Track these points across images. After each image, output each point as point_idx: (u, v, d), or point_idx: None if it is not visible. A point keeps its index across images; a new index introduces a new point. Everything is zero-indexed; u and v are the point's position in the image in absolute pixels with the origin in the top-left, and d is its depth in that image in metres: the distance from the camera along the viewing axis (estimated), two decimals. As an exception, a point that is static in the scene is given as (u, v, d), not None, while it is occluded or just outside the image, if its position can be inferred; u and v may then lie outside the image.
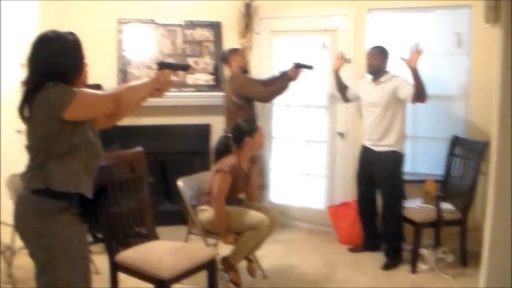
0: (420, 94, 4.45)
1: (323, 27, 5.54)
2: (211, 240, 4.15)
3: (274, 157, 5.84)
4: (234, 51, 5.33)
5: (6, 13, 4.83)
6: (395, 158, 4.72)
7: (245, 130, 4.17)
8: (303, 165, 5.81)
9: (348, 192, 5.47)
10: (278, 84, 5.14)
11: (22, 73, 4.96)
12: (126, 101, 2.59)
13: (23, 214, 2.46)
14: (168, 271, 3.11)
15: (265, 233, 3.97)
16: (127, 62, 5.57)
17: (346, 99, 5.22)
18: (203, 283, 3.58)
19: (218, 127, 5.68)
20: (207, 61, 5.76)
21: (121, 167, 3.57)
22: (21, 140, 5.15)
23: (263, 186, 5.49)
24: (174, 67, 2.77)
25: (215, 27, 5.82)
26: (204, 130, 5.77)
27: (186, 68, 3.03)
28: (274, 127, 5.82)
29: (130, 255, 3.33)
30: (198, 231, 4.06)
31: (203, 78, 5.73)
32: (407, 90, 4.52)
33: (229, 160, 4.09)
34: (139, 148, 3.71)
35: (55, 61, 2.41)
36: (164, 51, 5.66)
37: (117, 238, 3.43)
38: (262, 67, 5.75)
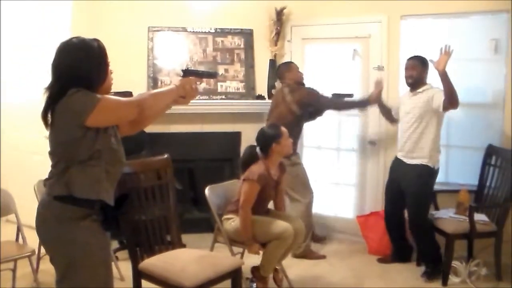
0: (450, 99, 4.28)
1: (355, 34, 5.47)
2: (237, 249, 4.11)
3: (306, 166, 5.75)
4: (287, 66, 5.27)
5: (39, 18, 4.91)
6: (426, 173, 4.56)
7: (271, 136, 4.12)
8: (333, 174, 5.73)
9: (378, 201, 5.38)
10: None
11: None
12: (150, 108, 2.57)
13: (44, 220, 2.45)
14: (191, 279, 3.06)
15: (290, 242, 3.89)
16: (158, 70, 5.59)
17: (393, 121, 5.06)
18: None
19: (248, 135, 5.65)
20: (237, 69, 5.74)
21: (148, 174, 3.57)
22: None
23: None
24: (200, 75, 2.75)
25: (246, 35, 5.80)
26: (234, 138, 5.74)
27: (213, 75, 2.96)
28: (304, 136, 5.75)
29: (153, 262, 3.31)
30: (224, 240, 4.02)
31: (234, 85, 5.71)
32: (439, 98, 4.37)
33: (257, 169, 4.01)
34: (165, 156, 3.70)
35: (78, 68, 2.40)
36: (194, 59, 5.66)
37: (141, 245, 3.41)
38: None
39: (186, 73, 2.69)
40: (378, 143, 5.40)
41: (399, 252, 4.92)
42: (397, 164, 4.78)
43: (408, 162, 4.64)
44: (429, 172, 4.56)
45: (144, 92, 2.67)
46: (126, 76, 5.47)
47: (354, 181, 5.63)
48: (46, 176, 2.52)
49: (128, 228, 3.34)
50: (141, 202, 3.47)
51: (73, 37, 2.49)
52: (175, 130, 5.19)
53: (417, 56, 4.70)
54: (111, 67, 5.32)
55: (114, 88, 5.42)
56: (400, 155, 4.76)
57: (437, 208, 4.82)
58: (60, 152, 2.40)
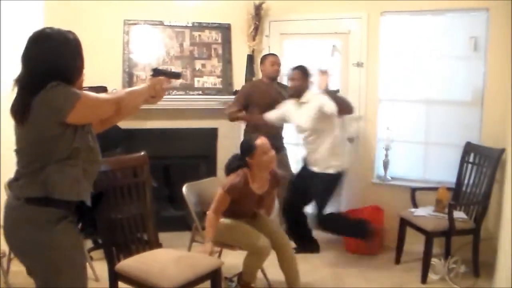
0: (344, 110, 4.50)
1: (334, 30, 5.42)
2: (215, 248, 4.03)
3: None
4: (263, 58, 5.30)
5: (9, 13, 4.75)
6: (328, 179, 4.70)
7: (244, 150, 3.90)
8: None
9: (356, 199, 5.37)
10: None
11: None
12: (127, 106, 2.48)
13: (17, 226, 2.29)
14: (170, 281, 2.98)
15: (266, 258, 3.79)
16: (133, 64, 5.48)
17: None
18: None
19: (225, 131, 5.58)
20: (214, 64, 5.65)
21: (123, 172, 3.47)
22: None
23: None
24: (168, 75, 2.70)
25: (224, 29, 5.71)
26: (211, 134, 5.66)
27: (178, 76, 2.90)
28: (284, 132, 5.68)
29: (131, 264, 3.21)
30: (202, 239, 3.94)
31: (211, 81, 5.62)
32: (330, 104, 4.40)
33: (232, 179, 3.82)
34: (142, 153, 3.60)
35: (55, 60, 2.26)
36: (171, 53, 5.55)
37: (117, 245, 3.31)
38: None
39: (156, 72, 2.67)
40: (357, 140, 5.36)
41: (304, 245, 5.03)
42: (305, 167, 4.92)
43: (312, 169, 4.77)
44: (332, 178, 4.70)
45: (119, 90, 2.59)
46: (101, 70, 5.37)
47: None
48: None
49: (104, 227, 3.24)
50: (117, 200, 3.37)
51: (47, 28, 2.35)
52: (151, 126, 5.08)
53: (298, 66, 4.87)
54: (87, 60, 5.21)
55: (88, 83, 5.32)
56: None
57: (415, 206, 4.81)
58: (36, 150, 2.25)
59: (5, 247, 3.84)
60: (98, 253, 4.51)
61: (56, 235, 2.28)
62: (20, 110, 2.22)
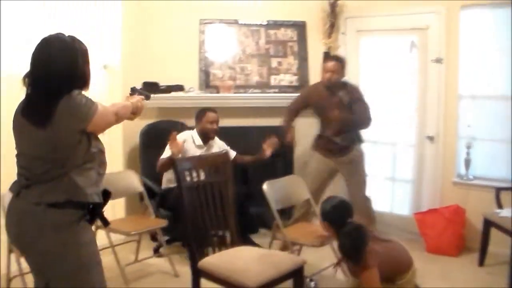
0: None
1: (412, 26, 5.28)
2: (296, 246, 4.03)
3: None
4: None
5: (89, 13, 4.90)
6: None
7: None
8: (389, 170, 5.59)
9: (435, 198, 5.24)
10: None
11: (105, 75, 5.11)
12: (121, 119, 2.56)
13: (41, 230, 2.28)
14: (254, 279, 2.97)
15: None
16: (209, 63, 5.53)
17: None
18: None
19: (302, 129, 5.55)
20: (290, 62, 5.64)
21: (206, 169, 3.49)
22: (103, 141, 5.27)
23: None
24: (143, 95, 2.81)
25: (299, 27, 5.69)
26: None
27: (148, 97, 2.95)
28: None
29: (214, 261, 3.23)
30: (284, 237, 3.95)
31: (287, 78, 5.61)
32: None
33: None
34: (224, 151, 3.63)
35: (76, 67, 2.31)
36: (247, 52, 5.58)
37: (200, 242, 3.34)
38: (349, 68, 5.54)
39: (133, 91, 2.82)
40: (437, 138, 5.21)
41: None
42: None
43: None
44: None
45: (112, 104, 2.59)
46: (178, 69, 5.48)
47: (411, 177, 5.47)
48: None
49: (187, 225, 3.27)
50: (200, 198, 3.40)
51: (59, 33, 2.37)
52: (228, 124, 5.10)
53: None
54: (164, 60, 5.31)
55: (165, 82, 5.48)
56: None
57: (500, 206, 4.63)
58: (57, 156, 2.26)
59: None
60: (169, 249, 4.67)
61: (79, 233, 2.33)
62: (42, 115, 2.22)
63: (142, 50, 5.36)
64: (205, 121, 4.73)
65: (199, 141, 4.73)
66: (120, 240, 4.50)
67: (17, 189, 2.34)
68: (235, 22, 5.60)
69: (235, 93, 5.45)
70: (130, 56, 5.26)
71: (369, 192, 5.06)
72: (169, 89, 5.36)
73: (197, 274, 3.29)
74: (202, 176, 3.49)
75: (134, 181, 4.56)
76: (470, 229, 4.97)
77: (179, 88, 5.43)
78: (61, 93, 2.21)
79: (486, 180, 5.01)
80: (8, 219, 2.39)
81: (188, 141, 4.67)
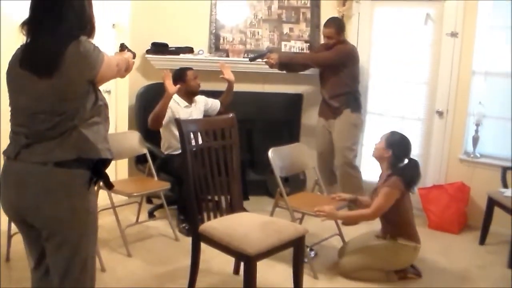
0: None
1: (429, -3, 5.16)
2: (297, 215, 4.01)
3: (367, 133, 5.57)
4: None
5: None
6: None
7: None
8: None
9: (441, 174, 5.20)
10: None
11: (113, 34, 5.03)
12: (120, 72, 2.40)
13: (47, 192, 2.11)
14: (255, 246, 2.94)
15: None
16: (220, 26, 5.45)
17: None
18: (285, 259, 3.48)
19: (310, 97, 5.50)
20: (302, 28, 5.55)
21: (212, 133, 3.44)
22: (109, 101, 5.19)
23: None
24: (132, 52, 2.67)
25: (313, -7, 5.57)
26: (295, 100, 5.60)
27: (134, 56, 2.87)
28: (368, 101, 5.54)
29: (215, 226, 3.20)
30: (286, 205, 3.92)
31: (298, 45, 5.53)
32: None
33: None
34: (231, 115, 3.57)
35: (83, 12, 2.16)
36: (259, 16, 5.49)
37: (201, 206, 3.31)
38: (361, 38, 5.45)
39: (124, 47, 2.68)
40: (446, 114, 5.14)
41: None
42: None
43: None
44: None
45: (111, 55, 2.38)
46: (188, 31, 5.40)
47: (417, 151, 5.40)
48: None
49: (189, 189, 3.24)
50: (204, 161, 3.36)
51: None
52: (235, 89, 5.03)
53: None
54: (174, 21, 5.21)
55: (175, 43, 5.41)
56: None
57: (505, 186, 4.58)
58: (66, 109, 2.08)
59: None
60: (160, 212, 4.73)
61: (90, 199, 2.21)
62: (49, 62, 2.04)
63: (152, 10, 5.27)
64: (189, 79, 4.70)
65: (184, 102, 4.70)
66: (121, 201, 4.49)
67: (16, 149, 2.14)
68: (249, -15, 5.49)
69: (245, 57, 5.37)
70: (139, 16, 5.18)
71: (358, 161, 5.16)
72: (178, 50, 5.29)
73: (197, 238, 3.26)
74: (207, 139, 3.44)
75: (138, 143, 4.53)
76: (473, 207, 4.94)
77: (189, 50, 5.36)
78: (70, 38, 2.05)
79: (493, 159, 4.95)
80: (4, 183, 2.19)
81: (174, 106, 4.61)
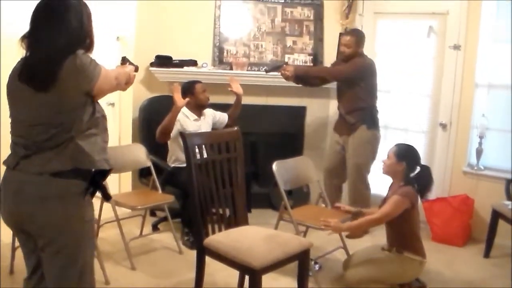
0: None
1: (432, 10, 5.18)
2: (301, 228, 4.02)
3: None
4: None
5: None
6: None
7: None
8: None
9: (444, 187, 5.20)
10: None
11: (118, 46, 5.06)
12: (120, 85, 2.41)
13: (43, 201, 2.15)
14: (260, 260, 2.93)
15: None
16: (224, 39, 5.48)
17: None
18: (290, 272, 3.47)
19: (314, 110, 5.51)
20: (306, 41, 5.58)
21: (216, 146, 3.45)
22: (113, 114, 5.21)
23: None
24: (133, 65, 2.67)
25: (316, 6, 5.61)
26: (299, 113, 5.62)
27: (137, 69, 2.89)
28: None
29: (219, 239, 3.19)
30: (290, 218, 3.93)
31: (301, 58, 5.56)
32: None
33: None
34: (235, 128, 3.59)
35: (81, 27, 2.20)
36: (262, 29, 5.52)
37: (206, 220, 3.31)
38: (364, 50, 5.46)
39: (124, 61, 2.68)
40: (449, 126, 5.15)
41: None
42: None
43: None
44: None
45: (113, 69, 2.43)
46: (192, 44, 5.42)
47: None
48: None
49: (193, 202, 3.24)
50: (209, 174, 3.36)
51: None
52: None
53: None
54: (178, 34, 5.23)
55: (179, 56, 5.42)
56: None
57: (510, 198, 4.58)
58: (62, 120, 2.13)
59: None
60: (164, 225, 4.73)
61: (85, 207, 2.25)
62: (46, 76, 2.08)
63: (156, 23, 5.29)
64: (198, 92, 4.69)
65: (193, 116, 4.69)
66: (125, 214, 4.49)
67: (15, 160, 2.19)
68: (252, -2, 5.53)
69: (248, 70, 5.39)
70: (144, 29, 5.20)
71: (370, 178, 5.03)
72: (182, 63, 5.31)
73: (202, 251, 3.25)
74: (212, 152, 3.45)
75: (142, 155, 4.53)
76: (477, 220, 4.94)
77: (193, 63, 5.38)
78: (66, 52, 2.10)
79: (496, 171, 4.95)
80: (3, 192, 2.24)
81: (183, 119, 4.61)
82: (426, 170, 3.76)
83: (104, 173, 2.31)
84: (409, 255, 3.61)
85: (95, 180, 2.27)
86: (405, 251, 3.62)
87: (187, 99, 4.44)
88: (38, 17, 2.17)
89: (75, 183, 2.19)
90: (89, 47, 2.25)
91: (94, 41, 2.28)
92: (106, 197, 2.44)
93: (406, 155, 3.75)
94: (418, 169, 3.74)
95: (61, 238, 2.20)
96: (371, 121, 4.92)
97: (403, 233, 3.66)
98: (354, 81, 4.83)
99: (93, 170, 2.25)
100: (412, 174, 3.72)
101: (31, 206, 2.17)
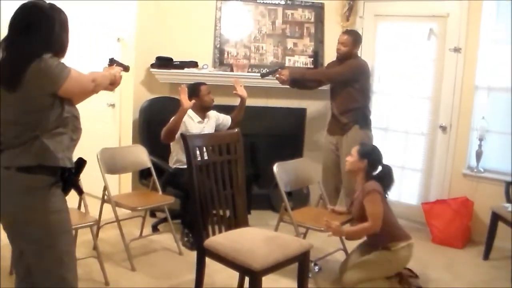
0: None
1: (432, 13, 5.18)
2: (301, 229, 4.02)
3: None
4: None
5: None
6: None
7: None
8: (399, 158, 5.51)
9: (444, 189, 5.21)
10: None
11: (118, 48, 5.07)
12: (99, 87, 2.57)
13: (9, 194, 2.31)
14: (260, 261, 2.94)
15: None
16: (224, 41, 5.48)
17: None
18: (290, 273, 3.47)
19: (313, 112, 5.52)
20: (306, 43, 5.58)
21: (217, 147, 3.45)
22: (114, 115, 5.21)
23: None
24: (122, 66, 2.85)
25: (317, 9, 5.61)
26: (299, 114, 5.62)
27: (128, 69, 3.00)
28: (372, 116, 5.54)
29: (220, 241, 3.20)
30: (290, 220, 3.93)
31: (302, 60, 5.56)
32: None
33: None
34: (236, 130, 3.59)
35: (53, 32, 2.35)
36: (263, 31, 5.53)
37: (206, 221, 3.31)
38: (364, 53, 5.48)
39: (112, 62, 2.86)
40: (449, 129, 5.16)
41: None
42: None
43: None
44: None
45: (92, 72, 2.58)
46: (192, 45, 5.42)
47: (421, 166, 5.43)
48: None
49: (194, 203, 3.25)
50: (210, 176, 3.37)
51: (40, 0, 2.40)
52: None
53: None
54: (179, 35, 5.25)
55: (179, 57, 5.43)
56: None
57: (510, 201, 4.58)
58: (28, 120, 2.28)
59: (95, 214, 3.98)
60: (164, 226, 4.74)
61: (51, 199, 2.35)
62: (13, 77, 2.23)
63: (157, 24, 5.29)
64: (202, 94, 4.70)
65: (197, 118, 4.71)
66: (125, 215, 4.50)
67: None
68: (253, 0, 5.52)
69: (249, 72, 5.39)
70: (144, 30, 5.20)
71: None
72: (183, 65, 5.31)
73: (202, 252, 3.25)
74: (213, 154, 3.45)
75: (143, 156, 4.54)
76: (477, 222, 4.94)
77: (193, 64, 5.38)
78: (32, 56, 2.23)
79: (496, 174, 4.96)
80: None
81: (188, 121, 4.62)
82: (387, 169, 3.90)
83: (75, 169, 2.45)
84: (396, 247, 3.67)
85: (68, 176, 2.41)
86: (391, 243, 3.69)
87: (193, 101, 4.45)
88: (13, 22, 2.34)
89: (40, 178, 2.32)
90: (58, 52, 2.37)
91: (67, 46, 2.44)
92: (79, 192, 2.63)
93: (368, 153, 3.90)
94: (380, 168, 3.89)
95: (29, 230, 2.35)
96: (364, 121, 4.99)
97: (382, 230, 3.68)
98: (348, 82, 4.89)
99: (63, 166, 2.37)
100: (374, 173, 3.86)
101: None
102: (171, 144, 4.66)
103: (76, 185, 2.50)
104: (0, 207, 2.33)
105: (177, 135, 4.46)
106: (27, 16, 2.33)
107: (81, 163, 2.48)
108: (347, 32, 5.03)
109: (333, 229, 3.66)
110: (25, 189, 2.31)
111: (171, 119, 4.43)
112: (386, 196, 3.84)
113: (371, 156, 3.88)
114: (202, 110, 4.72)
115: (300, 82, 5.08)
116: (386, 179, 3.84)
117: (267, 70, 5.12)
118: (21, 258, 2.46)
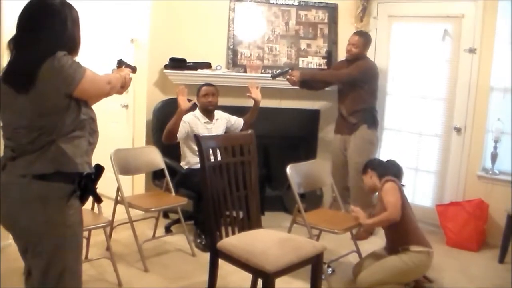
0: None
1: (446, 13, 5.15)
2: (314, 231, 4.00)
3: (384, 149, 5.54)
4: None
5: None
6: None
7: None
8: (412, 160, 5.48)
9: (458, 191, 5.17)
10: None
11: (132, 48, 5.08)
12: (114, 89, 2.44)
13: (24, 204, 2.16)
14: (274, 264, 2.92)
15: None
16: (238, 42, 5.47)
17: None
18: (303, 275, 3.46)
19: (327, 113, 5.49)
20: (320, 44, 5.56)
21: (231, 149, 3.44)
22: (127, 116, 5.22)
23: None
24: (130, 67, 2.76)
25: (331, 9, 5.59)
26: (312, 116, 5.60)
27: (135, 70, 2.91)
28: (385, 117, 5.53)
29: (233, 242, 3.18)
30: (304, 222, 3.91)
31: (315, 61, 5.54)
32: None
33: None
34: (250, 131, 3.58)
35: (66, 28, 2.23)
36: (276, 32, 5.51)
37: (219, 222, 3.31)
38: (378, 53, 5.45)
39: (120, 63, 2.76)
40: (464, 130, 5.11)
41: None
42: None
43: None
44: None
45: (106, 74, 2.46)
46: (206, 46, 5.43)
47: (435, 168, 5.38)
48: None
49: (207, 204, 3.24)
50: (222, 178, 3.36)
51: None
52: (252, 105, 5.05)
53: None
54: (192, 36, 5.24)
55: (193, 58, 5.43)
56: None
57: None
58: (43, 123, 2.13)
59: (109, 215, 3.99)
60: (177, 227, 4.75)
61: (68, 212, 2.22)
62: (25, 78, 2.10)
63: (170, 25, 5.30)
64: (200, 95, 4.75)
65: (204, 118, 4.73)
66: (139, 216, 4.50)
67: (4, 162, 2.22)
68: (266, 1, 5.52)
69: (262, 73, 5.38)
70: (158, 31, 5.21)
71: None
72: (196, 66, 5.31)
73: (215, 254, 3.24)
74: (226, 155, 3.44)
75: (156, 158, 4.54)
76: (492, 225, 4.90)
77: (207, 65, 5.38)
78: (45, 54, 2.11)
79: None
80: None
81: (193, 121, 4.65)
82: (391, 161, 4.11)
83: (94, 176, 2.31)
84: (416, 248, 3.65)
85: (84, 184, 2.26)
86: (411, 245, 3.67)
87: (192, 102, 4.47)
88: (21, 21, 2.21)
89: (57, 187, 2.19)
90: (71, 50, 2.25)
91: (80, 43, 2.32)
92: (97, 200, 2.45)
93: (370, 165, 4.09)
94: (384, 164, 4.09)
95: (41, 243, 2.21)
96: (372, 121, 5.05)
97: (403, 228, 3.69)
98: (358, 83, 4.93)
99: (84, 173, 2.25)
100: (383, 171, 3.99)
101: (14, 208, 2.19)
102: (180, 145, 4.68)
103: (94, 192, 2.34)
104: (16, 218, 2.20)
105: (182, 136, 4.50)
106: (37, 13, 2.20)
107: (99, 169, 2.34)
108: (358, 33, 5.07)
109: (361, 220, 3.84)
110: (42, 199, 2.16)
111: (170, 120, 4.45)
112: (403, 185, 3.92)
113: (372, 164, 4.09)
114: (203, 111, 4.76)
115: (310, 83, 5.12)
116: (393, 168, 4.02)
117: (278, 71, 5.11)
118: (29, 277, 2.33)
